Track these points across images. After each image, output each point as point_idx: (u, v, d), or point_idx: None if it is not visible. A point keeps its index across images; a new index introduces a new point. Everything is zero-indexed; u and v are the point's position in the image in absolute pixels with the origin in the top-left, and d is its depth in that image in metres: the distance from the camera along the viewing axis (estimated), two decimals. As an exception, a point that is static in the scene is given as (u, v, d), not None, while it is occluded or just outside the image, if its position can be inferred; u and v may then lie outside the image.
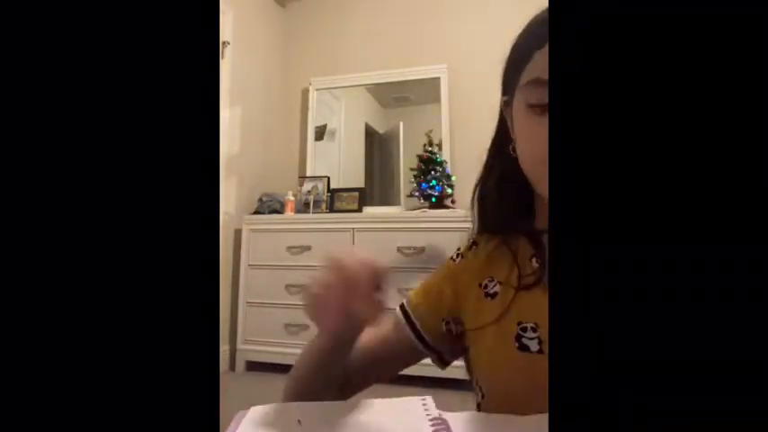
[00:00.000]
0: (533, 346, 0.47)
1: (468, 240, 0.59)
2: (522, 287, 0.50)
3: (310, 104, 2.87)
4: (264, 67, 2.84)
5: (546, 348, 0.46)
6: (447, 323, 0.56)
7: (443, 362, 0.59)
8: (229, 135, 2.47)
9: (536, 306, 0.48)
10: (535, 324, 0.47)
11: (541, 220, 0.51)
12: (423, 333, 0.56)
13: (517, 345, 0.47)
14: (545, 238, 0.51)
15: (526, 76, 0.45)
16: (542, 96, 0.43)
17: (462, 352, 0.57)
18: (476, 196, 0.56)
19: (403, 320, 0.57)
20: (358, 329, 0.49)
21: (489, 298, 0.52)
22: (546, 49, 0.42)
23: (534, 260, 0.50)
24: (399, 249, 2.17)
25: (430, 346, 0.56)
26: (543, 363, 0.46)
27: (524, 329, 0.48)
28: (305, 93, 2.92)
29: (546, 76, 0.42)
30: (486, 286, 0.53)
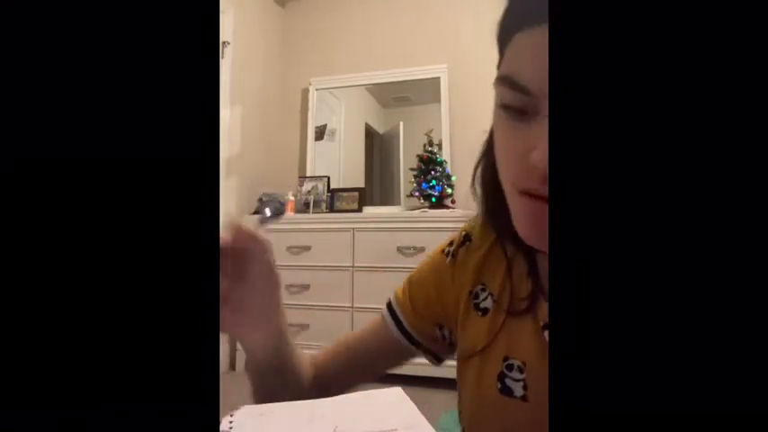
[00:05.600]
0: (518, 390, 0.38)
1: (461, 234, 0.49)
2: (511, 312, 0.41)
3: (310, 104, 2.87)
4: (264, 67, 2.84)
5: (532, 396, 0.38)
6: (440, 328, 0.49)
7: (438, 359, 0.52)
8: (229, 135, 2.47)
9: (527, 339, 0.40)
10: (523, 363, 0.39)
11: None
12: (410, 331, 0.49)
13: (499, 386, 0.39)
14: (540, 258, 0.41)
15: (503, 66, 0.34)
16: (513, 98, 0.32)
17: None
18: (476, 178, 0.44)
19: (389, 317, 0.51)
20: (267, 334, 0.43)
21: (479, 313, 0.44)
22: (529, 31, 0.31)
23: (530, 281, 0.41)
24: (399, 249, 2.17)
25: (420, 344, 0.50)
26: (526, 413, 0.38)
27: (510, 367, 0.40)
28: (305, 93, 2.92)
29: (519, 77, 0.31)
30: (476, 295, 0.45)
